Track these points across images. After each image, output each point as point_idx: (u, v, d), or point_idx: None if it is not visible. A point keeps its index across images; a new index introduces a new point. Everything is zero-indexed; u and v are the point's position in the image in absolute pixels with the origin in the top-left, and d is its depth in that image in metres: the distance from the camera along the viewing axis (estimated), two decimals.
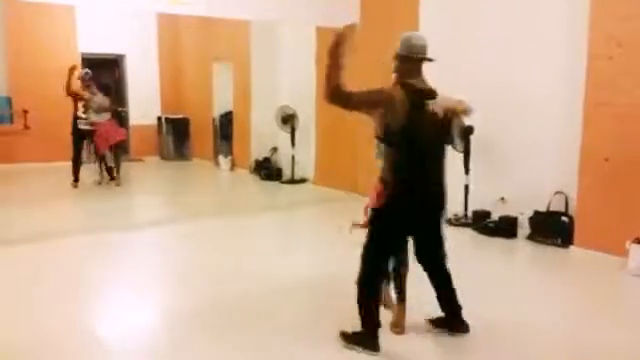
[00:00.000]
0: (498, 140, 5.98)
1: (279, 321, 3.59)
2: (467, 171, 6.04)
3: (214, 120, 11.14)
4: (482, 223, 5.79)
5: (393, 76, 3.12)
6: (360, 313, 3.09)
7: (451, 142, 2.95)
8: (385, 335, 3.17)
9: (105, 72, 12.52)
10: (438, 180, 3.14)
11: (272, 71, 9.67)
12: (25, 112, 10.30)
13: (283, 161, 9.53)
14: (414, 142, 2.98)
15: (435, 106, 3.03)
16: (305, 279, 4.38)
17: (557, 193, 5.38)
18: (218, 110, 11.06)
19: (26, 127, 10.35)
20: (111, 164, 8.63)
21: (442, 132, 3.14)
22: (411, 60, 3.07)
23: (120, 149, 8.85)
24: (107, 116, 8.41)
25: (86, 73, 8.36)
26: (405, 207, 3.03)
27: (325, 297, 3.99)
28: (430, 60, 3.14)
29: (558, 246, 5.24)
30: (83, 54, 11.01)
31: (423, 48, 3.11)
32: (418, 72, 3.10)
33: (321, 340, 3.28)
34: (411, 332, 3.37)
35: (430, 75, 3.19)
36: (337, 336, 3.19)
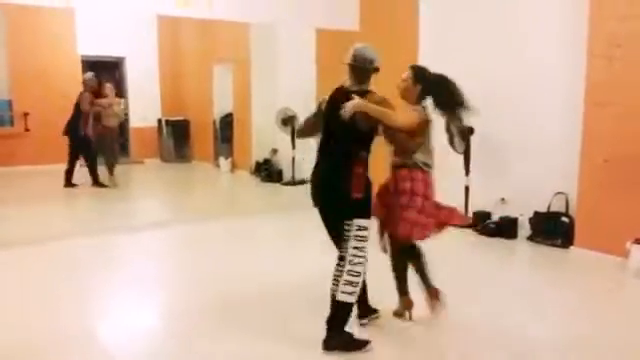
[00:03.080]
0: (498, 141, 5.98)
1: (280, 324, 3.59)
2: (467, 172, 6.05)
3: (214, 122, 11.16)
4: (482, 224, 5.79)
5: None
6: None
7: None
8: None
9: (105, 74, 12.56)
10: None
11: (272, 73, 9.68)
12: (25, 115, 10.32)
13: (283, 163, 9.54)
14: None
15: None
16: (307, 281, 4.37)
17: (557, 194, 5.39)
18: (218, 112, 11.07)
19: (26, 130, 10.37)
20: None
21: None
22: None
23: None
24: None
25: (90, 79, 8.59)
26: None
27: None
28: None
29: (558, 247, 5.24)
30: (83, 56, 11.04)
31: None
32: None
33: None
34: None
35: None
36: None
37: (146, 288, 4.37)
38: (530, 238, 5.50)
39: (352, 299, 3.06)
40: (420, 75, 3.41)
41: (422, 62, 6.48)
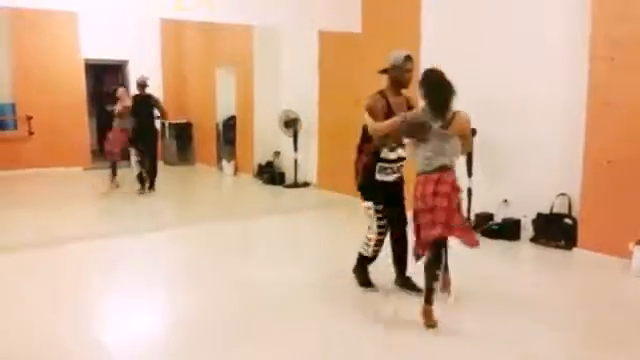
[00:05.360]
0: (501, 142, 5.97)
1: (279, 327, 3.59)
2: (470, 174, 6.04)
3: (217, 125, 11.17)
4: (485, 226, 5.79)
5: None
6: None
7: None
8: None
9: (108, 78, 12.60)
10: None
11: (275, 75, 9.70)
12: (29, 118, 10.35)
13: (286, 165, 9.55)
14: None
15: None
16: (308, 284, 4.37)
17: (560, 195, 5.38)
18: (221, 115, 11.09)
19: (30, 133, 10.40)
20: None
21: None
22: None
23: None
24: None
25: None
26: None
27: (329, 302, 4.00)
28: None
29: (561, 248, 5.23)
30: (86, 60, 11.08)
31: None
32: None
33: (330, 346, 3.29)
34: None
35: None
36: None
37: (148, 290, 4.37)
38: (533, 240, 5.49)
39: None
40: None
41: (424, 63, 6.50)
